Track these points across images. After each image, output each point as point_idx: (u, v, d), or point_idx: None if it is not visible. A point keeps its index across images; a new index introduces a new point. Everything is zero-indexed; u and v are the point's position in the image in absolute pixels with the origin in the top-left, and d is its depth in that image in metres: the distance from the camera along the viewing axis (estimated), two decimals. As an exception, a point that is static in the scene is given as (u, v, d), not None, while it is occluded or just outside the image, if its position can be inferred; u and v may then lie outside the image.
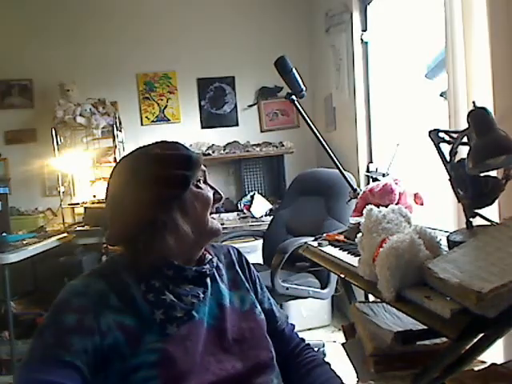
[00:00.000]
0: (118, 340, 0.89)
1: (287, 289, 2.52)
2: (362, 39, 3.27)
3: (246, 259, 1.26)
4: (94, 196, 3.94)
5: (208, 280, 1.08)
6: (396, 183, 1.79)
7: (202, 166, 1.08)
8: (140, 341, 0.91)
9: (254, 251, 3.36)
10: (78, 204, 3.88)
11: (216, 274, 1.13)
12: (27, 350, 0.85)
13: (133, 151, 1.06)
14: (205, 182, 1.10)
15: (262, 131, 4.33)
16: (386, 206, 1.24)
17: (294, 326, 1.31)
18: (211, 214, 1.08)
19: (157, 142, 1.06)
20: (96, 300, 0.91)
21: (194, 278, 1.04)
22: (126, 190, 1.01)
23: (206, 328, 1.01)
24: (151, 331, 0.93)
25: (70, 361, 0.83)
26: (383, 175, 2.05)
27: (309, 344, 1.27)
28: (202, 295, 1.03)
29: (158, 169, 0.98)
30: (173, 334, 0.95)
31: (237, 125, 4.31)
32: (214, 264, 1.11)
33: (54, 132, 3.76)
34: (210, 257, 1.12)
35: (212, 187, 1.10)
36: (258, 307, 1.15)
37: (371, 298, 1.76)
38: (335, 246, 1.61)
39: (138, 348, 0.90)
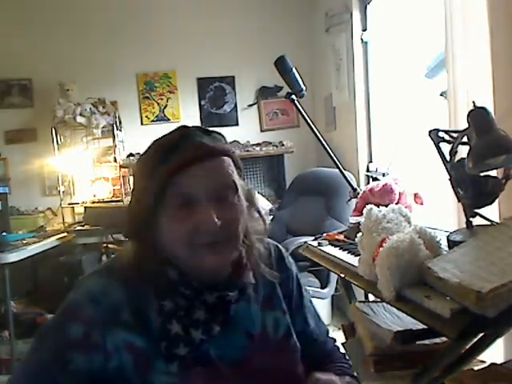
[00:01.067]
0: (126, 363, 0.77)
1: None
2: (361, 39, 3.27)
3: (288, 262, 1.01)
4: (94, 196, 3.94)
5: (233, 306, 0.85)
6: (396, 183, 1.79)
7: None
8: (150, 366, 0.78)
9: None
10: (78, 204, 3.88)
11: (249, 291, 0.89)
12: (25, 355, 0.78)
13: None
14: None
15: (262, 131, 4.33)
16: (386, 206, 1.24)
17: (334, 340, 1.12)
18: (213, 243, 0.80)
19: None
20: (108, 313, 0.77)
21: (215, 304, 0.82)
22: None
23: (223, 368, 0.82)
24: (162, 358, 0.79)
25: (63, 382, 0.73)
26: (383, 175, 2.05)
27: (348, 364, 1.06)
28: (217, 329, 0.82)
29: (146, 156, 0.85)
30: (179, 373, 0.79)
31: (237, 124, 4.31)
32: (250, 291, 0.89)
33: (53, 132, 3.76)
34: (245, 280, 0.87)
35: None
36: (294, 334, 0.93)
37: (371, 297, 1.77)
38: (335, 246, 1.61)
39: (148, 374, 0.77)
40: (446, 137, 1.19)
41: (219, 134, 0.90)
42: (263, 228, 0.93)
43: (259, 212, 0.91)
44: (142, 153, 0.87)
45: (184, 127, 0.86)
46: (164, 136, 0.86)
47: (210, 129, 0.89)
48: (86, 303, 0.78)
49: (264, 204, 3.90)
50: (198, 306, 0.81)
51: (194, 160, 0.79)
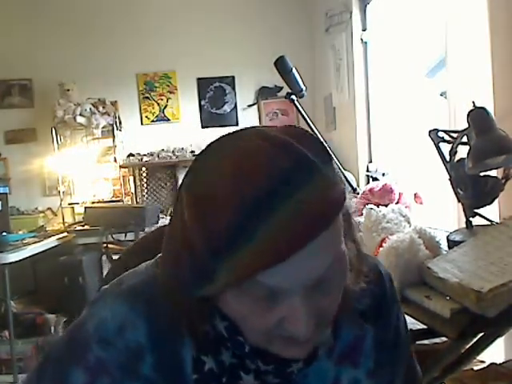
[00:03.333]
0: None
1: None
2: (361, 39, 3.26)
3: (391, 298, 0.70)
4: (94, 196, 3.94)
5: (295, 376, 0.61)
6: (396, 183, 1.79)
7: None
8: None
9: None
10: (78, 204, 3.87)
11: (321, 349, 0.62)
12: None
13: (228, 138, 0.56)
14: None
15: (261, 131, 4.32)
16: (386, 206, 1.24)
17: None
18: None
19: (260, 130, 0.55)
20: (123, 359, 0.58)
21: (268, 372, 0.59)
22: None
23: None
24: None
25: None
26: (383, 175, 2.05)
27: None
28: None
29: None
30: None
31: (237, 124, 4.30)
32: (324, 350, 0.62)
33: (53, 132, 3.76)
34: (320, 340, 0.58)
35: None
36: None
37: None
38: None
39: None
40: (446, 137, 1.20)
41: (328, 153, 0.53)
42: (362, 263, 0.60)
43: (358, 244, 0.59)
44: (202, 174, 0.51)
45: (270, 165, 0.47)
46: (246, 154, 0.49)
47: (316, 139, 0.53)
48: (95, 343, 0.58)
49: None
50: (246, 370, 0.59)
51: (306, 240, 0.45)
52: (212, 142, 0.55)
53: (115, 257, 3.23)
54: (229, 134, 0.56)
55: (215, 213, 0.46)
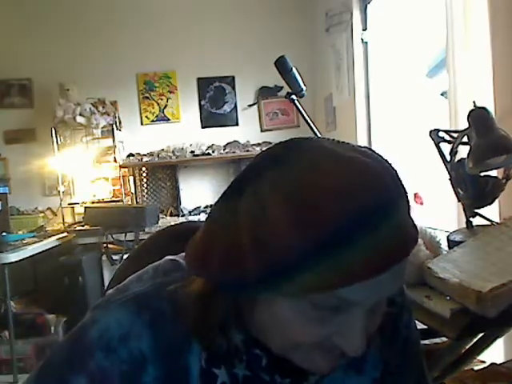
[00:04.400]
0: None
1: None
2: (362, 39, 3.26)
3: (410, 312, 0.69)
4: (94, 196, 3.94)
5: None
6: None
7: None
8: None
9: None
10: (78, 204, 3.88)
11: None
12: None
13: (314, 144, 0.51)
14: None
15: (262, 131, 4.33)
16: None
17: None
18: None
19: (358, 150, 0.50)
20: (125, 368, 0.56)
21: None
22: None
23: None
24: None
25: None
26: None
27: None
28: None
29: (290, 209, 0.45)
30: None
31: (237, 124, 4.31)
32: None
33: (53, 132, 3.76)
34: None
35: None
36: None
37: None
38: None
39: None
40: (446, 137, 1.19)
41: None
42: None
43: None
44: (296, 170, 0.47)
45: (383, 180, 0.47)
46: (345, 179, 0.45)
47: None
48: (98, 350, 0.56)
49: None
50: (260, 382, 0.57)
51: (395, 261, 0.46)
52: (293, 140, 0.51)
53: (115, 257, 3.24)
54: (305, 138, 0.52)
55: (319, 212, 0.44)
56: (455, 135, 1.18)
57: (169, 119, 4.23)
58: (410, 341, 0.69)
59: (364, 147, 0.51)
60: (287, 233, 0.44)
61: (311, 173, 0.46)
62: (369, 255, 0.44)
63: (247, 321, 0.55)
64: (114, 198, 3.94)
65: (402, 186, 0.50)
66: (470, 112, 1.11)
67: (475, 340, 0.99)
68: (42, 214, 3.94)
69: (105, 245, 3.31)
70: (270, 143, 4.08)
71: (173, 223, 0.91)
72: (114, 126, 3.78)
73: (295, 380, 0.57)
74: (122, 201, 3.88)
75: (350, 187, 0.44)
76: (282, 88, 4.14)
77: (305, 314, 0.49)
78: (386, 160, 0.50)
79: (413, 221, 0.50)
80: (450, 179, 1.18)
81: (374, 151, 0.51)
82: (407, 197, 0.50)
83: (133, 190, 4.04)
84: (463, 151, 1.13)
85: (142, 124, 4.21)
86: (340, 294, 0.46)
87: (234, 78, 4.27)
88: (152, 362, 0.56)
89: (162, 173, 4.13)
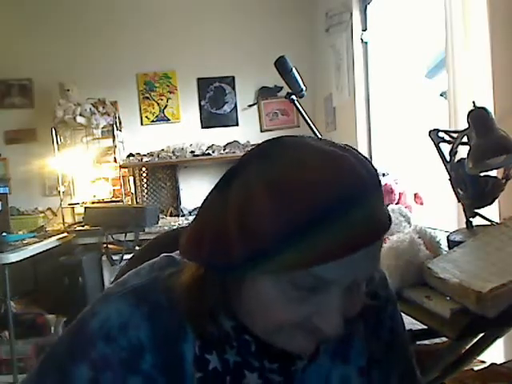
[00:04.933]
0: None
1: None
2: (361, 39, 3.27)
3: (385, 296, 0.71)
4: (94, 196, 3.94)
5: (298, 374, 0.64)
6: (396, 183, 1.79)
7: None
8: None
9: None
10: (78, 204, 3.88)
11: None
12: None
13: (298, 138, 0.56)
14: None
15: (262, 131, 4.33)
16: (386, 206, 1.24)
17: None
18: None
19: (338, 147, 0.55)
20: (125, 355, 0.59)
21: (273, 370, 0.62)
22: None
23: None
24: None
25: None
26: (383, 175, 2.05)
27: None
28: None
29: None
30: None
31: (237, 125, 4.31)
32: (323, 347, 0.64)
33: (53, 132, 3.76)
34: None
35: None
36: None
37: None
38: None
39: None
40: (446, 137, 1.20)
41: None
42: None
43: None
44: (278, 161, 0.52)
45: (357, 170, 0.51)
46: (321, 167, 0.50)
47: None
48: (99, 339, 0.60)
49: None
50: (250, 368, 0.61)
51: (368, 242, 0.50)
52: (279, 137, 0.57)
53: (115, 257, 3.24)
54: (290, 136, 0.57)
55: (298, 199, 0.49)
56: (455, 135, 1.18)
57: (169, 119, 4.23)
58: (396, 332, 0.72)
59: (344, 144, 0.56)
60: (269, 218, 0.49)
61: (292, 165, 0.51)
62: (341, 237, 0.48)
63: (235, 306, 0.58)
64: (114, 198, 3.94)
65: (377, 179, 0.54)
66: (470, 112, 1.11)
67: (475, 340, 0.99)
68: (42, 215, 3.94)
69: (105, 245, 3.31)
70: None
71: (173, 223, 0.91)
72: (114, 126, 3.78)
73: (283, 365, 0.61)
74: (122, 201, 3.88)
75: (325, 177, 0.49)
76: (281, 88, 4.14)
77: (285, 294, 0.53)
78: (364, 156, 0.55)
79: (386, 211, 0.55)
80: (449, 179, 1.18)
81: (352, 147, 0.55)
82: (381, 190, 0.55)
83: (133, 190, 4.04)
84: (463, 151, 1.13)
85: (142, 124, 4.21)
86: (316, 272, 0.50)
87: (233, 78, 4.27)
88: (150, 350, 0.60)
89: (162, 173, 4.13)
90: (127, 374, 0.59)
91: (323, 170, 0.50)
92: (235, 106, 4.30)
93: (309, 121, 1.91)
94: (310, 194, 0.49)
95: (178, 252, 0.65)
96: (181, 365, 0.60)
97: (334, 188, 0.49)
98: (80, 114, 3.69)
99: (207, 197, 0.57)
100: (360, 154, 0.55)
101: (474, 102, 1.13)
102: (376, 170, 0.55)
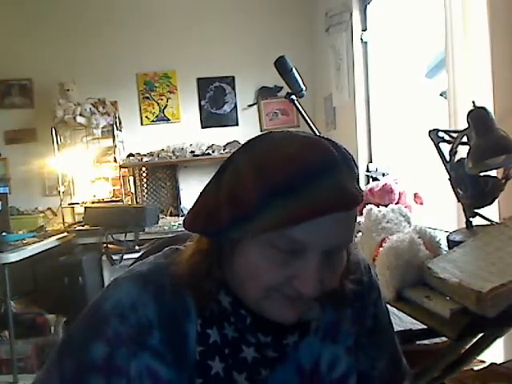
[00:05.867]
0: None
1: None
2: (361, 39, 3.27)
3: (370, 284, 0.78)
4: (94, 196, 3.94)
5: (290, 348, 0.70)
6: (396, 183, 1.79)
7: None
8: None
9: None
10: (78, 204, 3.88)
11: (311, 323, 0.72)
12: (44, 370, 0.69)
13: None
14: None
15: (261, 131, 4.32)
16: (386, 206, 1.24)
17: None
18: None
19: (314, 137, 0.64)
20: (135, 332, 0.66)
21: (267, 344, 0.68)
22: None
23: None
24: None
25: None
26: (383, 175, 2.06)
27: None
28: (264, 373, 0.69)
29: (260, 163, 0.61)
30: None
31: (237, 124, 4.31)
32: (313, 327, 0.72)
33: (54, 132, 3.76)
34: (311, 317, 0.70)
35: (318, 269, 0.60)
36: (354, 378, 0.75)
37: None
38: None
39: None
40: (446, 137, 1.20)
41: (356, 165, 0.65)
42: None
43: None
44: (263, 148, 0.63)
45: (328, 151, 0.60)
46: (297, 149, 0.60)
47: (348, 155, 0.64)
48: (113, 318, 0.66)
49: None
50: (247, 343, 0.68)
51: (333, 208, 0.58)
52: (266, 133, 0.67)
53: (115, 257, 3.24)
54: (279, 130, 0.67)
55: (275, 172, 0.59)
56: (455, 135, 1.18)
57: (169, 119, 4.23)
58: (379, 318, 0.80)
59: (327, 138, 0.65)
60: (251, 187, 0.59)
61: (273, 147, 0.62)
62: (308, 201, 0.57)
63: (229, 277, 0.66)
64: (114, 198, 3.93)
65: (351, 162, 0.63)
66: (470, 112, 1.11)
67: (475, 340, 0.99)
68: (42, 214, 3.94)
69: (105, 245, 3.31)
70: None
71: (173, 223, 0.91)
72: (114, 126, 3.78)
73: (276, 338, 0.68)
74: (122, 201, 3.88)
75: (299, 154, 0.60)
76: (281, 88, 4.15)
77: (268, 257, 0.61)
78: (342, 146, 0.64)
79: (359, 187, 0.63)
80: (449, 179, 1.18)
81: (332, 140, 0.64)
82: (353, 171, 0.63)
83: (133, 190, 4.04)
84: (463, 151, 1.13)
85: (142, 124, 4.21)
86: (290, 234, 0.58)
87: (233, 78, 4.27)
88: (157, 327, 0.66)
89: (162, 173, 4.13)
90: (137, 350, 0.66)
91: (299, 149, 0.60)
92: (235, 105, 4.30)
93: (309, 121, 1.91)
94: (285, 167, 0.59)
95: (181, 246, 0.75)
96: (185, 341, 0.67)
97: (305, 161, 0.59)
98: (80, 114, 3.69)
99: (207, 184, 0.68)
100: (339, 145, 0.64)
101: (473, 102, 1.13)
102: (349, 155, 0.64)
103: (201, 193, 0.68)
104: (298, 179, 0.58)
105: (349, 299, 0.72)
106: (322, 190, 0.57)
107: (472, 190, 1.13)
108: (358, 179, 0.64)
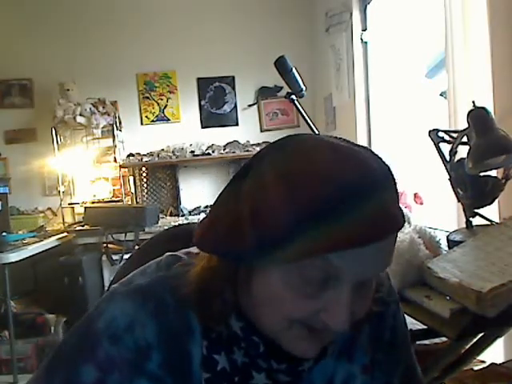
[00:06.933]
0: None
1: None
2: (361, 39, 3.26)
3: (388, 294, 0.72)
4: (94, 196, 3.94)
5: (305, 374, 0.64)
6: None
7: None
8: None
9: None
10: (78, 204, 3.88)
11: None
12: (31, 382, 0.63)
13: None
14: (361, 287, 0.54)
15: (261, 131, 4.32)
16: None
17: None
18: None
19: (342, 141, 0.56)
20: (131, 356, 0.59)
21: (280, 371, 0.61)
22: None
23: None
24: None
25: None
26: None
27: None
28: None
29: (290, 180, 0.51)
30: None
31: (237, 124, 4.31)
32: (330, 351, 0.65)
33: (53, 132, 3.76)
34: (329, 339, 0.60)
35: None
36: None
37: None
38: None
39: None
40: (446, 137, 1.20)
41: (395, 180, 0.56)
42: None
43: None
44: (291, 157, 0.53)
45: (370, 165, 0.52)
46: (334, 162, 0.51)
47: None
48: (105, 339, 0.59)
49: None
50: (258, 368, 0.61)
51: (377, 236, 0.50)
52: (296, 134, 0.58)
53: (115, 257, 3.24)
54: (308, 133, 0.59)
55: (310, 189, 0.50)
56: (455, 135, 1.18)
57: (169, 119, 4.23)
58: (398, 331, 0.73)
59: (361, 145, 0.56)
60: (281, 207, 0.50)
61: (305, 157, 0.52)
62: (352, 228, 0.48)
63: (244, 301, 0.58)
64: (114, 198, 3.94)
65: (391, 175, 0.54)
66: (470, 112, 1.11)
67: (475, 340, 0.99)
68: (42, 214, 3.94)
69: (105, 245, 3.31)
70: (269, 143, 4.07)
71: (173, 223, 0.91)
72: (114, 125, 3.78)
73: (290, 366, 0.60)
74: (122, 201, 3.88)
75: (338, 169, 0.50)
76: (281, 88, 4.14)
77: (295, 287, 0.53)
78: (380, 156, 0.55)
79: (400, 208, 0.54)
80: (449, 179, 1.18)
81: (368, 148, 0.56)
82: (395, 186, 0.54)
83: (133, 190, 4.04)
84: (463, 151, 1.13)
85: (142, 124, 4.21)
86: (325, 263, 0.51)
87: (233, 78, 4.27)
88: (157, 348, 0.59)
89: (162, 173, 4.13)
90: (134, 376, 0.59)
91: (336, 163, 0.51)
92: (235, 105, 4.30)
93: (309, 121, 1.91)
94: (323, 185, 0.49)
95: (182, 251, 0.66)
96: (188, 365, 0.60)
97: (345, 179, 0.50)
98: (80, 114, 3.69)
99: (221, 192, 0.58)
100: (375, 153, 0.55)
101: (473, 102, 1.13)
102: (389, 168, 0.55)
103: (214, 203, 0.58)
104: (337, 200, 0.49)
105: (366, 314, 0.61)
106: (366, 213, 0.49)
107: (472, 190, 1.13)
108: (398, 196, 0.55)
